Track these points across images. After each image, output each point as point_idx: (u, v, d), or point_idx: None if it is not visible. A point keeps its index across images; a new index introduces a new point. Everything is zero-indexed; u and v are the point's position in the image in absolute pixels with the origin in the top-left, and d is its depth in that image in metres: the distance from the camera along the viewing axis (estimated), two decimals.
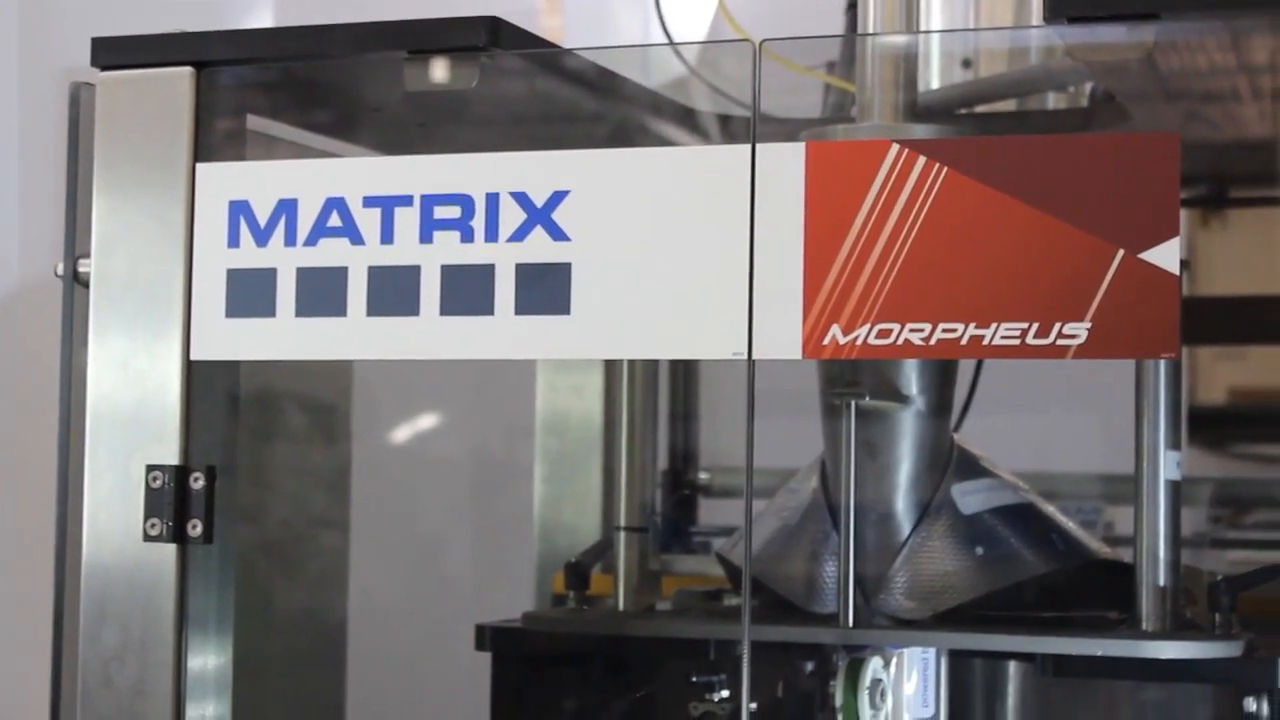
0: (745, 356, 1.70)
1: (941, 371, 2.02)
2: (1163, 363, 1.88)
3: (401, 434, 3.33)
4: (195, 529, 1.85)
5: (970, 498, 2.01)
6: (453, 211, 1.78)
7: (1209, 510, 2.73)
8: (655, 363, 2.34)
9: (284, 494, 2.55)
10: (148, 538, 1.86)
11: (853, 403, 1.94)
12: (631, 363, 2.20)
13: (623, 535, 2.12)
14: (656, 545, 2.18)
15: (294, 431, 2.58)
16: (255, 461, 2.46)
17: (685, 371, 2.95)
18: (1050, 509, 2.06)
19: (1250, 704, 1.88)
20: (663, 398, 2.81)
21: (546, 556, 2.63)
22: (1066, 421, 2.90)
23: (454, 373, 3.23)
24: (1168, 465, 1.90)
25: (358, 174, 1.83)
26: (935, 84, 2.33)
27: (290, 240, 1.83)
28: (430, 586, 3.14)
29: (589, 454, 2.62)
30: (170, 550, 1.86)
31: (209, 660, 1.92)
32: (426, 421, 3.35)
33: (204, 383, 1.87)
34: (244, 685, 1.96)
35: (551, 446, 2.63)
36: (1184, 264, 1.69)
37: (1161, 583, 1.89)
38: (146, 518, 1.86)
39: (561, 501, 2.62)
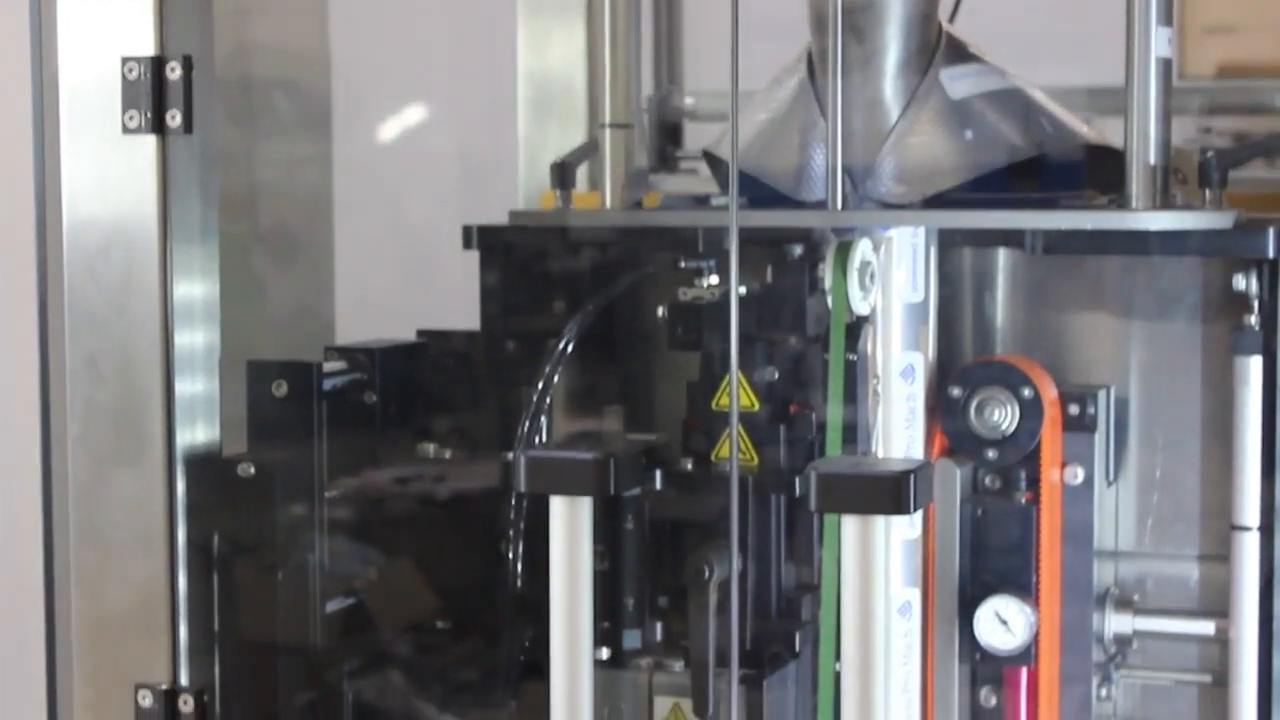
0: None
1: None
2: None
3: (384, 114, 3.29)
4: (174, 119, 1.83)
5: (958, 83, 1.98)
6: None
7: (1199, 119, 2.70)
8: None
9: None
10: (126, 130, 1.84)
11: None
12: None
13: (608, 132, 2.10)
14: (643, 143, 2.15)
15: (278, 121, 2.57)
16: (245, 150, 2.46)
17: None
18: (1039, 94, 2.03)
19: (1239, 281, 1.87)
20: (646, 30, 2.75)
21: (531, 180, 2.60)
22: (1054, 34, 2.85)
23: (432, 38, 3.18)
24: (1159, 41, 1.87)
25: None
26: None
27: None
28: (415, 207, 3.11)
29: (572, 73, 2.58)
30: (150, 143, 1.84)
31: (195, 287, 1.91)
32: (409, 105, 3.30)
33: None
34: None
35: (535, 67, 2.59)
36: None
37: (1152, 161, 1.87)
38: (125, 110, 1.83)
39: (546, 121, 2.58)
